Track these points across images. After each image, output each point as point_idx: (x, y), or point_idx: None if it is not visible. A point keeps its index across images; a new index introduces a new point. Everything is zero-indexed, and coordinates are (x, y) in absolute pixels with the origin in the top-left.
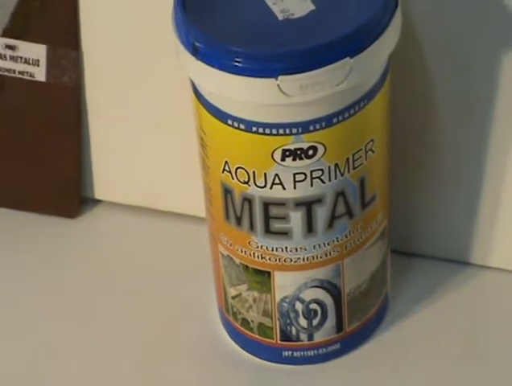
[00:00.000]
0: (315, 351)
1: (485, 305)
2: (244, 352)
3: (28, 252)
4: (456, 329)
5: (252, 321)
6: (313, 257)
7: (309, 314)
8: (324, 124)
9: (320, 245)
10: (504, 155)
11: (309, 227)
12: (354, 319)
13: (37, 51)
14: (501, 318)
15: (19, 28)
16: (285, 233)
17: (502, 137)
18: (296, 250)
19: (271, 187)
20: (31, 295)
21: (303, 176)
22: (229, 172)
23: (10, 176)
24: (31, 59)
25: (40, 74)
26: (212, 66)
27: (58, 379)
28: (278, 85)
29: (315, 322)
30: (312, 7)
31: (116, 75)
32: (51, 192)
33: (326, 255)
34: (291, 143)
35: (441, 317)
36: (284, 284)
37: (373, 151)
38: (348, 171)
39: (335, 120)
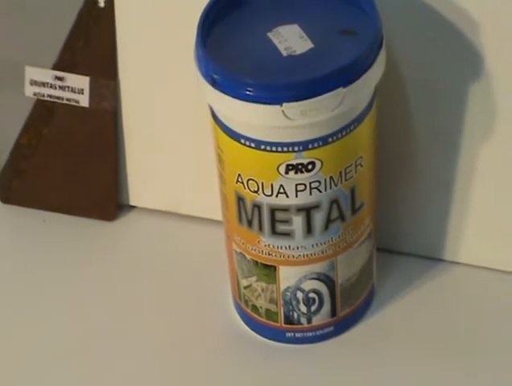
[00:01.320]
0: (314, 333)
1: (454, 295)
2: (254, 333)
3: (74, 248)
4: (431, 313)
5: (260, 307)
6: (311, 254)
7: (308, 302)
8: (321, 143)
9: (317, 244)
10: (470, 168)
11: (308, 229)
12: (346, 306)
13: (81, 81)
14: (468, 305)
15: (67, 62)
16: (288, 234)
17: (468, 153)
18: (297, 248)
19: (277, 196)
20: (76, 283)
21: (303, 186)
22: (242, 183)
23: (59, 186)
24: (77, 88)
25: (84, 101)
26: (228, 94)
27: (97, 360)
28: (282, 111)
29: (313, 308)
30: (311, 45)
31: (147, 100)
32: (93, 199)
33: (322, 252)
34: (294, 159)
35: (418, 304)
36: (287, 276)
37: (361, 166)
38: (341, 182)
39: (330, 139)
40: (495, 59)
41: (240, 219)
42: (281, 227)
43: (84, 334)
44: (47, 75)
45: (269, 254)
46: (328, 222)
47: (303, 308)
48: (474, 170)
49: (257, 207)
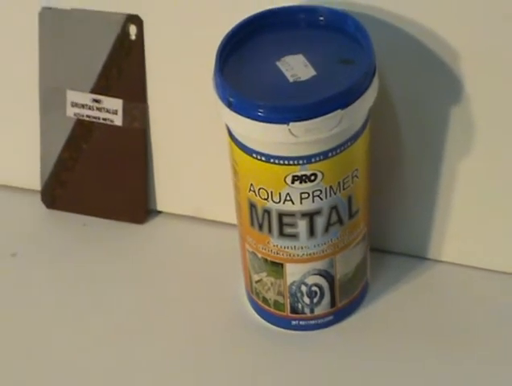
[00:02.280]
0: (316, 321)
1: (438, 290)
2: (264, 321)
3: (108, 247)
4: (417, 305)
5: (269, 299)
6: (314, 253)
7: (311, 294)
8: (322, 157)
9: (318, 245)
10: (451, 177)
11: (311, 231)
12: (344, 298)
13: (115, 103)
14: (449, 299)
15: (103, 87)
16: (294, 236)
17: (450, 163)
18: (302, 248)
19: (284, 203)
20: (109, 277)
21: (307, 195)
22: (254, 191)
23: (96, 194)
24: (111, 109)
25: (118, 120)
26: (242, 115)
27: (130, 345)
28: (289, 129)
29: (315, 299)
30: (314, 73)
31: (172, 120)
32: (125, 205)
33: (323, 252)
34: (299, 171)
35: (406, 297)
36: (293, 272)
37: (357, 177)
38: (340, 191)
39: (330, 154)
40: (472, 85)
41: (252, 223)
42: (287, 230)
43: (118, 321)
44: (86, 98)
45: (277, 253)
46: (328, 226)
47: (307, 299)
48: (455, 179)
49: (267, 212)
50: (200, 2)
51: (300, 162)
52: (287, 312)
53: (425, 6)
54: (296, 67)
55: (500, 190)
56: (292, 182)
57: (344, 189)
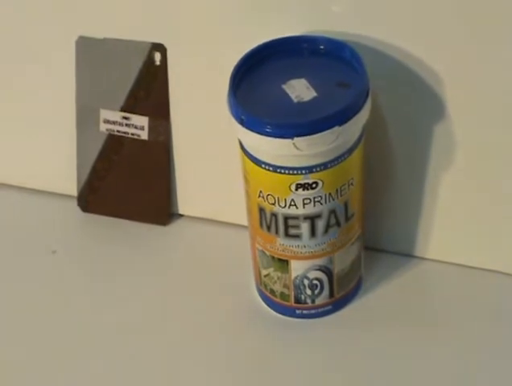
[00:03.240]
0: (316, 310)
1: (422, 284)
2: (271, 310)
3: (135, 246)
4: (404, 296)
5: (276, 290)
6: (315, 251)
7: (312, 287)
8: (322, 167)
9: (319, 244)
10: (435, 185)
11: (312, 232)
12: (341, 290)
13: (142, 120)
14: (432, 292)
15: (131, 106)
16: (297, 236)
17: (434, 172)
18: (304, 247)
19: (289, 207)
20: (137, 272)
21: (309, 200)
22: (263, 197)
23: (125, 199)
24: (139, 125)
25: (144, 135)
26: (252, 131)
27: (155, 334)
28: (293, 143)
29: (316, 291)
30: (315, 94)
31: (192, 134)
32: (150, 209)
33: (323, 250)
34: (302, 179)
35: (395, 290)
36: (296, 268)
37: (353, 185)
38: (338, 197)
39: (329, 165)
40: (452, 105)
41: (261, 225)
42: (292, 231)
43: (145, 309)
44: (117, 115)
45: (283, 251)
46: (328, 227)
47: (309, 291)
48: (438, 186)
49: (274, 215)
50: (215, 33)
51: (303, 171)
52: (292, 302)
53: (412, 37)
54: (299, 90)
55: (477, 195)
56: (296, 190)
57: (341, 195)
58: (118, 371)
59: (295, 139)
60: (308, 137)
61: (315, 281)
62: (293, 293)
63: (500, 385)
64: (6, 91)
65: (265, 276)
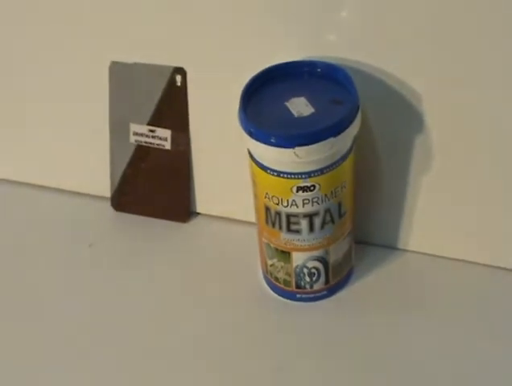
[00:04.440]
0: (314, 295)
1: (405, 273)
2: (275, 295)
3: (159, 240)
4: (388, 283)
5: (280, 278)
6: (313, 245)
7: (311, 275)
8: (319, 173)
9: (316, 238)
10: (416, 185)
11: (311, 228)
12: (335, 277)
13: (166, 133)
14: (414, 279)
15: (156, 121)
16: (298, 231)
17: (414, 175)
18: (304, 241)
19: (291, 207)
20: (159, 264)
21: (307, 201)
22: (268, 198)
23: (151, 199)
24: (163, 137)
25: (167, 145)
26: (260, 142)
27: (175, 323)
28: (294, 152)
29: (314, 278)
30: (313, 110)
31: (208, 144)
32: (173, 208)
33: (319, 243)
34: (302, 183)
35: (381, 277)
36: (297, 258)
37: (345, 187)
38: (332, 198)
39: (325, 170)
40: (431, 118)
41: (267, 222)
42: (293, 227)
43: (168, 296)
44: (144, 129)
45: (285, 244)
46: (324, 224)
47: (308, 278)
48: (419, 187)
49: (278, 213)
50: (228, 58)
51: (303, 176)
52: (293, 288)
53: (396, 61)
54: (300, 106)
55: (451, 194)
56: (297, 192)
57: (335, 196)
58: (146, 347)
59: (296, 148)
60: (307, 146)
61: (313, 270)
62: (294, 279)
63: (473, 361)
64: (53, 110)
65: (270, 265)
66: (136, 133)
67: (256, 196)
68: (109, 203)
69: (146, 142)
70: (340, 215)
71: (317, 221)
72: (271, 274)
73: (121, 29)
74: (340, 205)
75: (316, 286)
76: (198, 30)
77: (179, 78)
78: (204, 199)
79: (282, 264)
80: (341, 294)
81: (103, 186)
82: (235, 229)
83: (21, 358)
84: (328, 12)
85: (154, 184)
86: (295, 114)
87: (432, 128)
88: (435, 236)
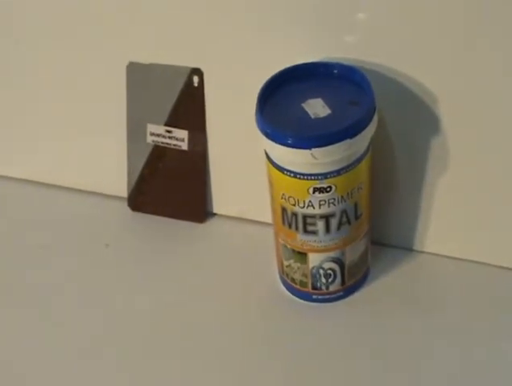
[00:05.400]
0: (330, 296)
1: (421, 274)
2: (292, 295)
3: (176, 240)
4: (404, 284)
5: (296, 279)
6: (329, 246)
7: (327, 276)
8: (335, 174)
9: (333, 239)
10: (432, 186)
11: (327, 229)
12: (351, 278)
13: (183, 133)
14: (429, 281)
15: (173, 121)
16: (314, 232)
17: (431, 176)
18: (320, 242)
19: (307, 208)
20: (176, 262)
21: (324, 202)
22: (285, 199)
23: (168, 200)
24: (180, 138)
25: (184, 146)
26: (276, 142)
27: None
28: (311, 153)
29: (330, 279)
30: (329, 111)
31: (225, 145)
32: (190, 208)
33: (336, 244)
34: (318, 184)
35: (396, 278)
36: (313, 259)
37: (362, 188)
38: (349, 199)
39: (341, 172)
40: (447, 119)
41: (283, 223)
42: (310, 228)
43: (185, 293)
44: (161, 129)
45: (302, 245)
46: (340, 225)
47: (324, 280)
48: (435, 189)
49: (294, 214)
50: (245, 60)
51: (319, 177)
52: (309, 289)
53: (412, 62)
54: (316, 108)
55: (468, 196)
56: (313, 193)
57: (351, 197)
58: (162, 346)
59: (313, 150)
60: (324, 148)
61: (329, 271)
62: (310, 280)
63: (485, 360)
64: (70, 110)
65: (286, 266)
66: (153, 134)
67: (272, 197)
68: (125, 203)
69: (163, 143)
70: (357, 217)
71: (333, 222)
72: (287, 275)
73: (139, 30)
74: (356, 206)
75: (332, 287)
76: (215, 31)
77: (196, 79)
78: (221, 199)
79: (299, 265)
80: (357, 295)
81: (120, 186)
82: (251, 230)
83: (37, 356)
84: (345, 13)
85: (171, 184)
86: (312, 115)
87: (448, 129)
88: (451, 237)
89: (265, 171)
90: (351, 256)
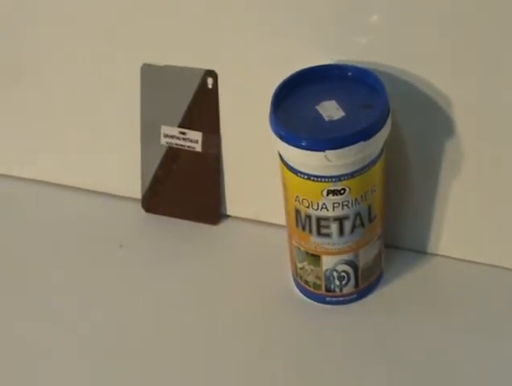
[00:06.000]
0: (343, 298)
1: (435, 277)
2: (305, 298)
3: (190, 241)
4: (417, 287)
5: (310, 281)
6: (343, 248)
7: (340, 278)
8: (349, 176)
9: (346, 242)
10: (446, 189)
11: (341, 232)
12: (364, 281)
13: (197, 135)
14: (443, 284)
15: (187, 123)
16: (328, 235)
17: (445, 179)
18: (334, 244)
19: (321, 210)
20: (191, 263)
21: (338, 204)
22: (299, 201)
23: (182, 201)
24: (194, 139)
25: (198, 147)
26: (290, 144)
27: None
28: (325, 156)
29: (343, 282)
30: (343, 114)
31: (238, 147)
32: (204, 210)
33: (349, 247)
34: (332, 186)
35: (410, 281)
36: (327, 262)
37: (375, 191)
38: (362, 202)
39: (355, 174)
40: (461, 123)
41: (297, 225)
42: (323, 231)
43: (197, 292)
44: (175, 131)
45: (315, 247)
46: (354, 227)
47: (337, 282)
48: (449, 192)
49: (308, 217)
50: (259, 61)
51: (333, 179)
52: (323, 291)
53: (426, 65)
54: (330, 110)
55: (483, 199)
56: (327, 195)
57: (365, 200)
58: (174, 347)
59: (327, 152)
60: (338, 150)
61: (342, 273)
62: (324, 283)
63: (500, 365)
64: (84, 111)
65: (300, 268)
66: (167, 135)
67: (286, 199)
68: (139, 205)
69: (177, 144)
70: (370, 219)
71: (347, 225)
72: (301, 277)
73: (153, 31)
74: (370, 209)
75: (346, 290)
76: (229, 33)
77: (210, 80)
78: (235, 201)
79: (312, 267)
80: (370, 298)
81: (134, 187)
82: (265, 231)
83: (49, 356)
84: (359, 16)
85: (185, 186)
86: (326, 118)
87: (462, 132)
88: (464, 240)
89: (278, 173)
90: (365, 258)
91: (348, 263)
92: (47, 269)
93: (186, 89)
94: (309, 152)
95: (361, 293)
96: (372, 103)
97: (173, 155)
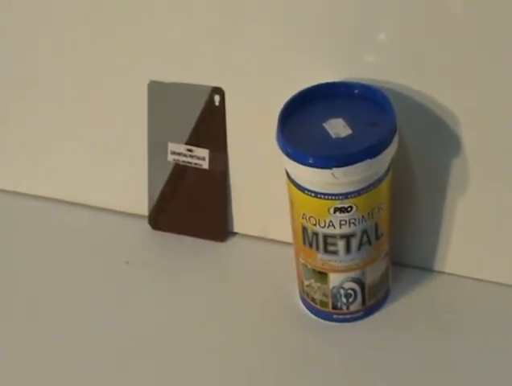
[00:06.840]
0: (350, 315)
1: (442, 295)
2: (312, 315)
3: (198, 259)
4: (425, 305)
5: (317, 298)
6: (350, 266)
7: (347, 295)
8: (356, 194)
9: (353, 259)
10: (452, 206)
11: (348, 249)
12: (371, 298)
13: (204, 152)
14: (450, 302)
15: (194, 140)
16: (335, 252)
17: (451, 196)
18: (341, 262)
19: (328, 227)
20: (199, 279)
21: (344, 222)
22: (305, 219)
23: (189, 218)
24: (201, 157)
25: (205, 165)
26: (297, 162)
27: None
28: (332, 173)
29: (350, 299)
30: (350, 132)
31: (246, 164)
32: (211, 227)
33: (356, 265)
34: (339, 204)
35: (417, 299)
36: (334, 279)
37: (382, 209)
38: (369, 219)
39: (362, 192)
40: (467, 139)
41: (304, 242)
42: (330, 248)
43: (203, 313)
44: (182, 148)
45: (322, 265)
46: (361, 245)
47: (344, 299)
48: (455, 208)
49: (315, 234)
50: (266, 79)
51: (340, 197)
52: (330, 308)
53: (433, 83)
54: (337, 128)
55: (490, 217)
56: (334, 212)
57: (372, 218)
58: (181, 363)
59: (334, 169)
60: (345, 168)
61: (349, 291)
62: (331, 300)
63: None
64: (91, 128)
65: (307, 286)
66: (174, 152)
67: (293, 216)
68: (146, 222)
69: (183, 161)
70: (377, 237)
71: (354, 242)
72: (308, 294)
73: (161, 49)
74: (377, 226)
75: (353, 307)
76: (237, 51)
77: (217, 98)
78: (242, 218)
79: (319, 284)
80: (377, 315)
81: (141, 204)
82: (272, 249)
83: (54, 371)
84: (367, 34)
85: (192, 203)
86: (333, 135)
87: (469, 150)
88: (472, 258)
89: (285, 191)
90: (371, 276)
91: (355, 280)
92: (53, 286)
93: (193, 106)
94: (316, 169)
95: (368, 310)
96: (379, 120)
97: (180, 172)
